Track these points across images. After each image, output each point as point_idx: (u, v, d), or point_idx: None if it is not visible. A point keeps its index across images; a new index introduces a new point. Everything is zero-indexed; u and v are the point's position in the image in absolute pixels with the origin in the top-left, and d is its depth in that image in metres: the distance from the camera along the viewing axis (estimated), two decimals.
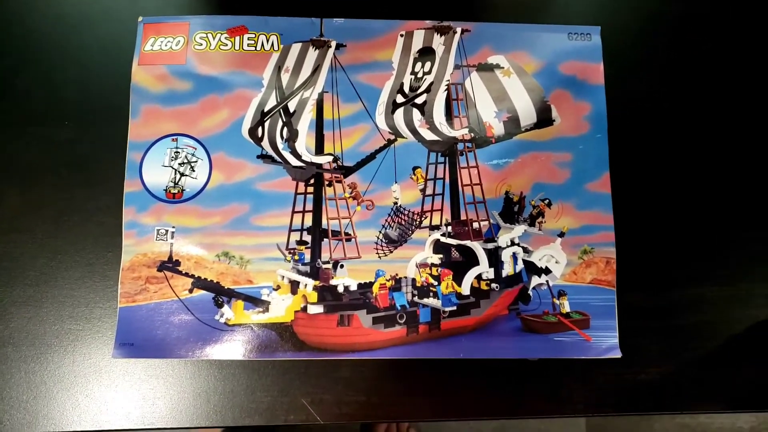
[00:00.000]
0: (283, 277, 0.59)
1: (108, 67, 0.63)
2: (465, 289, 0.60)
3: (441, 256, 0.60)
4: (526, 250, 0.61)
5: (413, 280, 0.60)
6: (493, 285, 0.60)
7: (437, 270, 0.60)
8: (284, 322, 0.58)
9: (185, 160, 0.60)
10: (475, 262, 0.60)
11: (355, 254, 0.60)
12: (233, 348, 0.57)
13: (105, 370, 0.57)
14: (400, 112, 0.62)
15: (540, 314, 0.59)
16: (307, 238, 0.60)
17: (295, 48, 0.62)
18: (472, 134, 0.62)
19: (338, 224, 0.60)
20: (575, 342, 0.58)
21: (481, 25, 0.64)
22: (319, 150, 0.61)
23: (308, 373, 0.58)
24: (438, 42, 0.63)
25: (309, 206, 0.60)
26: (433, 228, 0.61)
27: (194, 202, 0.59)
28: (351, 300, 0.59)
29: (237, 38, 0.62)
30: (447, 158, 0.62)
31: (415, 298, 0.59)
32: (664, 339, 0.60)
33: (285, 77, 0.62)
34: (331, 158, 0.61)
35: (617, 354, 0.58)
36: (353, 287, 0.59)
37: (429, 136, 0.62)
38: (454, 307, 0.59)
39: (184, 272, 0.58)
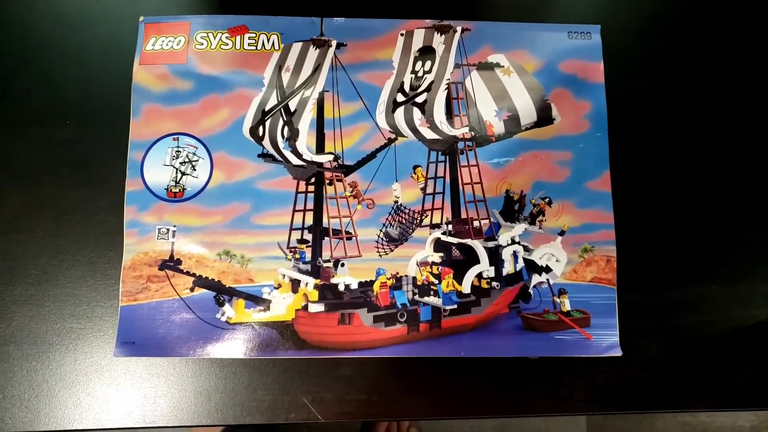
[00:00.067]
0: (284, 275, 0.59)
1: (109, 67, 0.63)
2: (466, 287, 0.60)
3: (442, 254, 0.60)
4: (526, 249, 0.61)
5: (414, 278, 0.60)
6: (494, 283, 0.60)
7: (438, 268, 0.60)
8: (285, 320, 0.58)
9: (186, 159, 0.60)
10: (476, 260, 0.60)
11: (356, 253, 0.60)
12: (234, 346, 0.57)
13: (106, 369, 0.58)
14: (400, 111, 0.62)
15: (540, 312, 0.60)
16: (308, 236, 0.60)
17: (296, 47, 0.62)
18: (473, 133, 0.62)
19: (339, 223, 0.60)
20: (576, 340, 0.59)
21: (481, 24, 0.64)
22: (320, 149, 0.61)
23: (309, 371, 0.58)
24: (438, 41, 0.63)
25: (310, 205, 0.60)
26: (433, 227, 0.61)
27: (195, 201, 0.59)
28: (352, 298, 0.59)
29: (238, 38, 0.62)
30: (447, 157, 0.62)
31: (416, 297, 0.59)
32: (664, 337, 0.60)
33: (286, 76, 0.62)
34: (331, 157, 0.61)
35: (618, 352, 0.58)
36: (354, 286, 0.59)
37: (429, 134, 0.62)
38: (455, 306, 0.59)
39: (185, 271, 0.58)
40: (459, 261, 0.60)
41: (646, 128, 0.65)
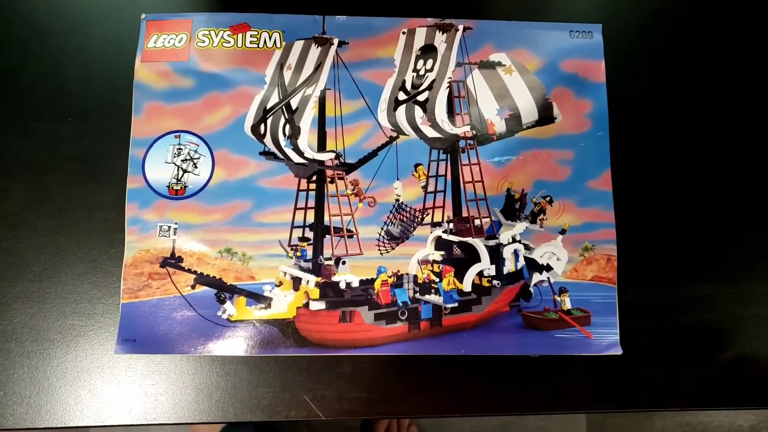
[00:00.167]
0: (286, 273, 0.59)
1: (111, 64, 0.63)
2: (466, 285, 0.60)
3: (442, 252, 0.60)
4: (527, 247, 0.61)
5: (415, 276, 0.60)
6: (495, 282, 0.60)
7: (439, 267, 0.60)
8: (286, 318, 0.58)
9: (188, 157, 0.60)
10: (477, 258, 0.60)
11: (357, 251, 0.60)
12: (235, 344, 0.57)
13: (107, 366, 0.58)
14: (402, 109, 0.62)
15: (541, 311, 0.60)
16: (310, 234, 0.60)
17: (298, 45, 0.63)
18: (474, 131, 0.62)
19: (340, 221, 0.60)
20: (576, 339, 0.59)
21: (483, 23, 0.64)
22: (322, 147, 0.61)
23: (310, 369, 0.58)
24: (440, 39, 0.63)
25: (311, 203, 0.60)
26: (434, 225, 0.61)
27: (197, 198, 0.60)
28: (353, 296, 0.59)
29: (239, 35, 0.62)
30: (449, 155, 0.62)
31: (417, 295, 0.59)
32: (664, 336, 0.61)
33: (287, 74, 0.62)
34: (333, 155, 0.61)
35: (618, 351, 0.59)
36: (355, 284, 0.59)
37: (431, 133, 0.62)
38: (456, 304, 0.59)
39: (186, 268, 0.58)
40: (460, 259, 0.61)
41: (647, 127, 0.65)
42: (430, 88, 0.63)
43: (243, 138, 0.61)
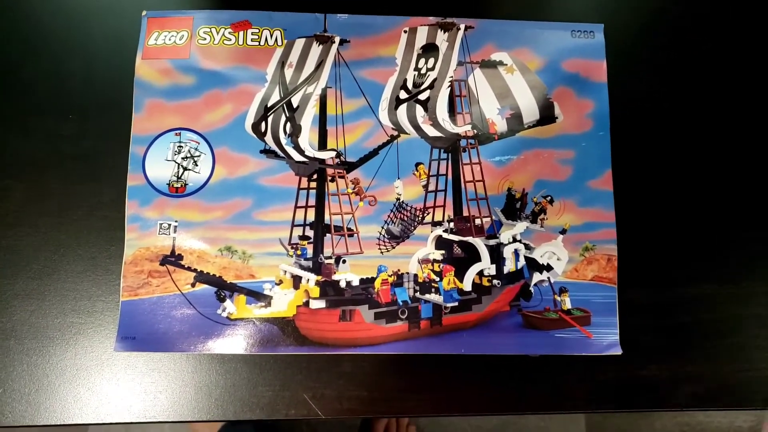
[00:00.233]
0: (286, 271, 0.59)
1: (112, 61, 0.63)
2: (467, 285, 0.60)
3: (443, 252, 0.60)
4: (527, 247, 0.61)
5: (415, 275, 0.60)
6: (495, 281, 0.60)
7: (439, 266, 0.60)
8: (286, 316, 0.58)
9: (188, 155, 0.60)
10: (477, 258, 0.60)
11: (358, 250, 0.60)
12: (235, 342, 0.57)
13: (107, 364, 0.58)
14: (403, 108, 0.62)
15: (541, 311, 0.60)
16: (310, 233, 0.60)
17: (299, 43, 0.62)
18: (475, 131, 0.62)
19: (341, 219, 0.60)
20: (576, 339, 0.59)
21: (485, 22, 0.64)
22: (322, 145, 0.61)
23: (310, 367, 0.58)
24: (441, 38, 0.63)
25: (312, 201, 0.60)
26: (435, 224, 0.61)
27: (197, 196, 0.59)
28: (353, 295, 0.59)
29: (241, 33, 0.62)
30: (450, 154, 0.62)
31: (417, 294, 0.59)
32: (664, 336, 0.60)
33: (288, 72, 0.62)
34: (334, 154, 0.61)
35: (618, 351, 0.59)
36: (355, 282, 0.59)
37: (432, 132, 0.62)
38: (456, 303, 0.59)
39: (186, 266, 0.58)
40: (460, 258, 0.60)
41: (649, 128, 0.65)
42: (431, 87, 0.63)
43: (244, 136, 0.61)
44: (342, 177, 0.61)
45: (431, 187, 0.61)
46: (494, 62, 0.63)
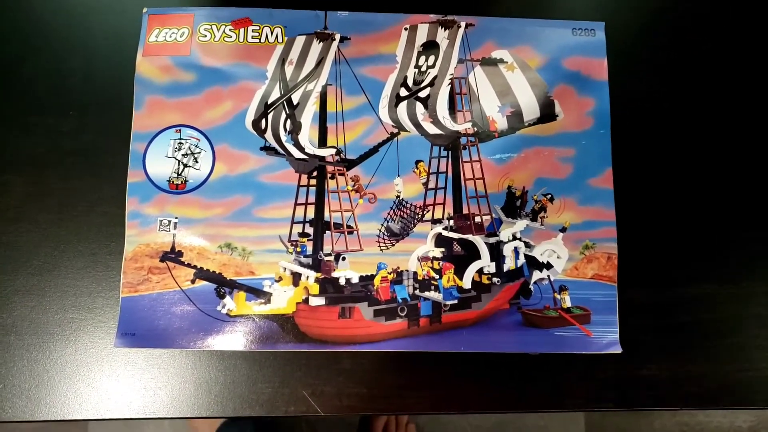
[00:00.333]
0: (285, 268, 0.59)
1: (113, 58, 0.63)
2: (466, 282, 0.60)
3: (443, 249, 0.60)
4: (527, 245, 0.61)
5: (415, 273, 0.60)
6: (495, 279, 0.60)
7: (439, 263, 0.60)
8: (286, 313, 0.58)
9: (189, 152, 0.60)
10: (477, 256, 0.60)
11: (357, 247, 0.60)
12: (235, 339, 0.57)
13: (107, 360, 0.58)
14: (403, 105, 0.62)
15: (541, 309, 0.60)
16: (310, 230, 0.60)
17: (300, 40, 0.62)
18: (475, 128, 0.62)
19: (340, 217, 0.60)
20: (576, 337, 0.59)
21: (485, 20, 0.64)
22: (322, 142, 0.61)
23: (309, 364, 0.58)
24: (442, 36, 0.63)
25: (311, 198, 0.60)
26: (435, 222, 0.61)
27: (197, 193, 0.59)
28: (352, 292, 0.59)
29: (241, 30, 0.62)
30: (450, 152, 0.62)
31: (417, 292, 0.59)
32: (664, 335, 0.60)
33: (289, 70, 0.62)
34: (334, 151, 0.61)
35: (617, 349, 0.58)
36: (355, 280, 0.59)
37: (432, 129, 0.62)
38: (455, 301, 0.59)
39: (186, 263, 0.58)
40: (460, 256, 0.60)
41: (649, 126, 0.65)
42: (431, 84, 0.63)
43: (244, 133, 0.61)
44: (342, 174, 0.61)
45: (431, 185, 0.61)
46: (495, 60, 0.63)
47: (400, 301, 0.59)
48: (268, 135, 0.61)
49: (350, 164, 0.61)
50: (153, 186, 0.59)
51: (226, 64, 0.61)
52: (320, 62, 0.62)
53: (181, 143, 0.60)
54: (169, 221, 0.59)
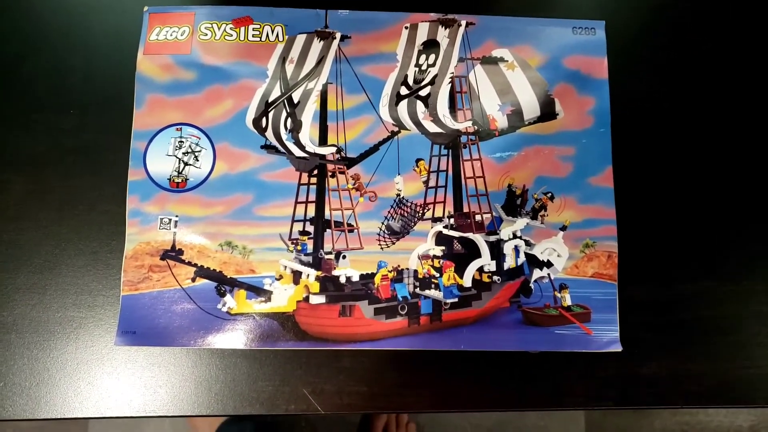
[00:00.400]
0: (286, 267, 0.59)
1: (113, 56, 0.63)
2: (467, 281, 0.60)
3: (443, 248, 0.60)
4: (528, 243, 0.61)
5: (415, 271, 0.60)
6: (495, 277, 0.60)
7: (439, 262, 0.60)
8: (286, 311, 0.58)
9: (189, 150, 0.60)
10: (477, 254, 0.60)
11: (358, 245, 0.60)
12: (235, 337, 0.57)
13: (107, 358, 0.58)
14: (403, 104, 0.62)
15: (541, 307, 0.60)
16: (310, 228, 0.60)
17: (300, 39, 0.62)
18: (476, 127, 0.62)
19: (341, 215, 0.60)
20: (576, 335, 0.59)
21: (486, 19, 0.64)
22: (323, 141, 0.61)
23: (310, 363, 0.58)
24: (442, 35, 0.63)
25: (312, 197, 0.60)
26: (435, 220, 0.61)
27: (198, 191, 0.60)
28: (353, 291, 0.59)
29: (242, 29, 0.62)
30: (450, 150, 0.62)
31: (417, 290, 0.59)
32: (664, 333, 0.60)
33: (289, 68, 0.62)
34: (334, 149, 0.61)
35: (618, 348, 0.58)
36: (355, 278, 0.59)
37: (432, 128, 0.62)
38: (456, 299, 0.59)
39: (186, 261, 0.58)
40: (460, 255, 0.61)
41: (649, 125, 0.65)
42: (432, 83, 0.63)
43: (244, 131, 0.61)
44: (342, 173, 0.61)
45: (431, 183, 0.61)
46: (495, 58, 0.63)
47: (401, 299, 0.59)
48: (269, 133, 0.61)
49: (351, 162, 0.61)
50: (153, 184, 0.59)
51: (227, 62, 0.61)
52: (321, 61, 0.62)
53: (181, 141, 0.60)
54: (170, 219, 0.59)
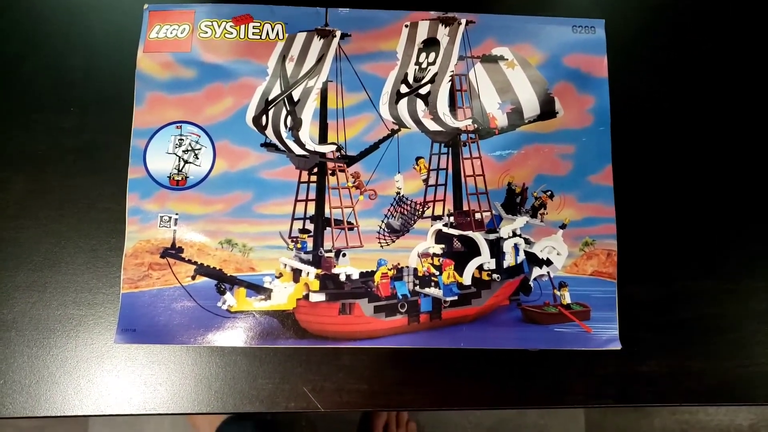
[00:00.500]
0: (286, 265, 0.59)
1: (113, 55, 0.63)
2: (466, 279, 0.60)
3: (443, 246, 0.60)
4: (527, 242, 0.61)
5: (415, 269, 0.60)
6: (495, 275, 0.60)
7: (439, 260, 0.60)
8: (286, 309, 0.58)
9: (189, 148, 0.60)
10: (477, 252, 0.60)
11: (358, 243, 0.60)
12: (235, 335, 0.57)
13: (107, 356, 0.58)
14: (403, 102, 0.62)
15: (541, 305, 0.60)
16: (310, 226, 0.60)
17: (300, 37, 0.62)
18: (476, 125, 0.62)
19: (341, 213, 0.60)
20: (575, 333, 0.59)
21: (486, 17, 0.64)
22: (323, 139, 0.61)
23: (309, 360, 0.58)
24: (443, 33, 0.63)
25: (312, 195, 0.60)
26: (435, 218, 0.61)
27: (198, 189, 0.60)
28: (353, 289, 0.59)
29: (242, 27, 0.62)
30: (450, 149, 0.62)
31: (417, 288, 0.59)
32: (664, 331, 0.61)
33: (290, 66, 0.62)
34: (334, 147, 0.61)
35: (617, 346, 0.59)
36: (355, 276, 0.59)
37: (432, 126, 0.62)
38: (455, 297, 0.59)
39: (186, 259, 0.58)
40: (460, 253, 0.61)
41: (649, 123, 0.65)
42: (432, 81, 0.63)
43: (244, 129, 0.61)
44: (342, 171, 0.61)
45: (431, 182, 0.61)
46: (495, 57, 0.63)
47: (401, 297, 0.59)
48: (269, 131, 0.61)
49: (351, 161, 0.61)
50: (153, 182, 0.59)
51: (227, 60, 0.61)
52: (321, 59, 0.62)
53: (181, 139, 0.60)
54: (170, 217, 0.59)
